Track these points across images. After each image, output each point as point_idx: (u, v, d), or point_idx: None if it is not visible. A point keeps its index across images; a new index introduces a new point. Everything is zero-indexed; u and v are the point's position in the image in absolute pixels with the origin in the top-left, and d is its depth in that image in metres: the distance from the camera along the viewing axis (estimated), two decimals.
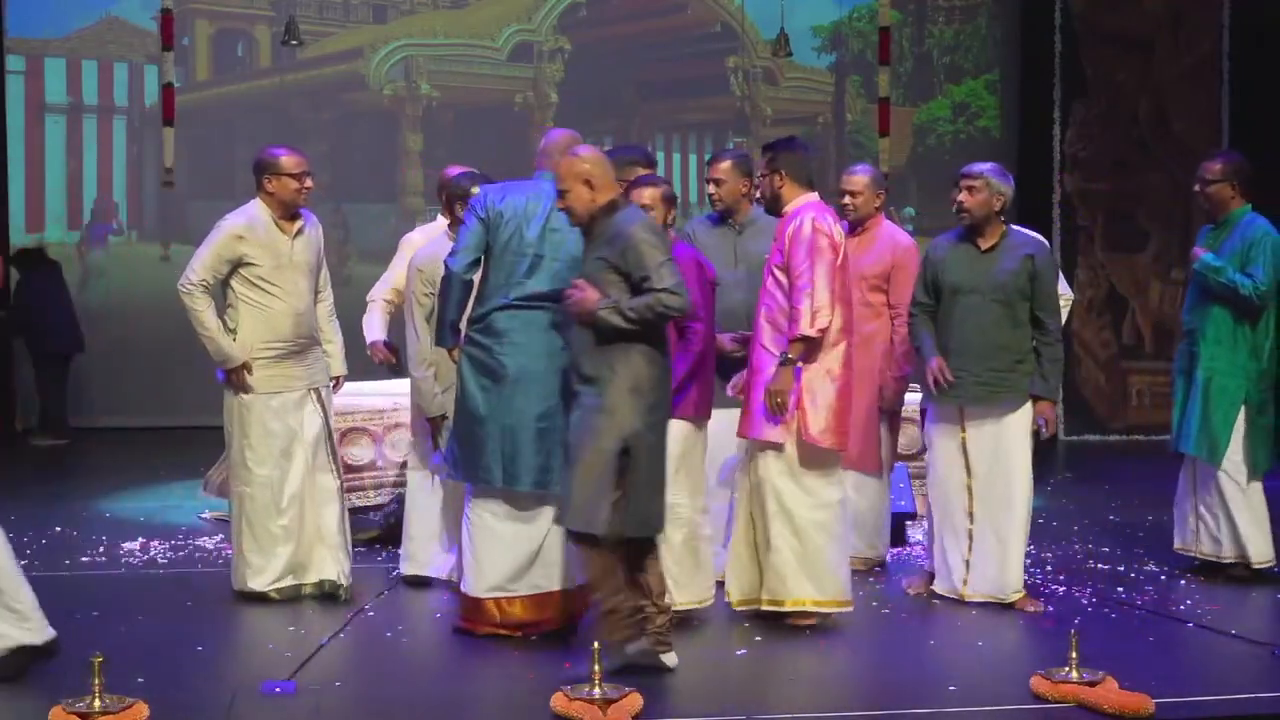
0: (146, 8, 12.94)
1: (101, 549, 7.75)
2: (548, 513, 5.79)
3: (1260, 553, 6.88)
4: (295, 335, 6.52)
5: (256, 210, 6.51)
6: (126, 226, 13.51)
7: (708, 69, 14.29)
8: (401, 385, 8.81)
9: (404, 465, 8.26)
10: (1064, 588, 6.77)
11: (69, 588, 6.90)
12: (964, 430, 6.47)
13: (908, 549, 7.68)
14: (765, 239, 6.88)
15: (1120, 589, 6.76)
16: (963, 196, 6.44)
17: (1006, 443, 6.41)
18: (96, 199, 13.40)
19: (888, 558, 7.23)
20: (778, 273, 6.01)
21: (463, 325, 5.88)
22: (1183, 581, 6.91)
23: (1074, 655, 5.08)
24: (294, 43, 10.68)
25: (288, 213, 6.53)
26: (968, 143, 14.02)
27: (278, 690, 5.11)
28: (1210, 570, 6.96)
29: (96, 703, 4.71)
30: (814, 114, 14.40)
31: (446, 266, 5.83)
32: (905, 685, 5.37)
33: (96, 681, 4.73)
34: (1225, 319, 6.88)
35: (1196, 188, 7.04)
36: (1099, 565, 7.31)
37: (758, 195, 6.93)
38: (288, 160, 6.49)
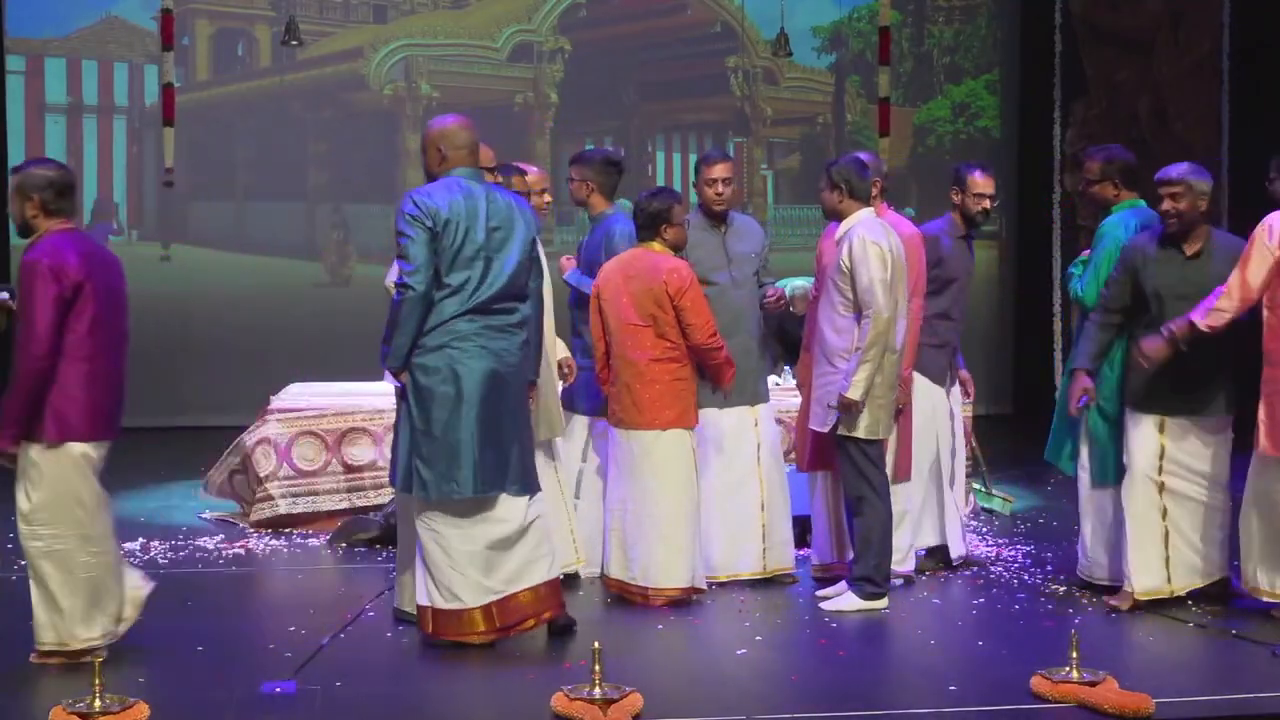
0: (146, 8, 12.93)
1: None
2: (518, 508, 5.74)
3: (1099, 568, 6.67)
4: None
5: None
6: (126, 226, 13.50)
7: (708, 69, 14.28)
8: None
9: None
10: (1064, 588, 6.76)
11: None
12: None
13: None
14: (747, 239, 6.96)
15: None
16: (1167, 205, 6.25)
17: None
18: (96, 199, 13.40)
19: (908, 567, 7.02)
20: None
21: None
22: None
23: (1074, 655, 5.08)
24: (294, 43, 10.68)
25: None
26: (968, 143, 14.01)
27: (278, 690, 5.11)
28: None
29: (96, 703, 4.71)
30: (814, 114, 14.40)
31: (410, 288, 5.57)
32: (905, 685, 5.37)
33: (96, 681, 4.73)
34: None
35: (1080, 188, 6.90)
36: None
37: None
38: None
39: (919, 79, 14.33)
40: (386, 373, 6.01)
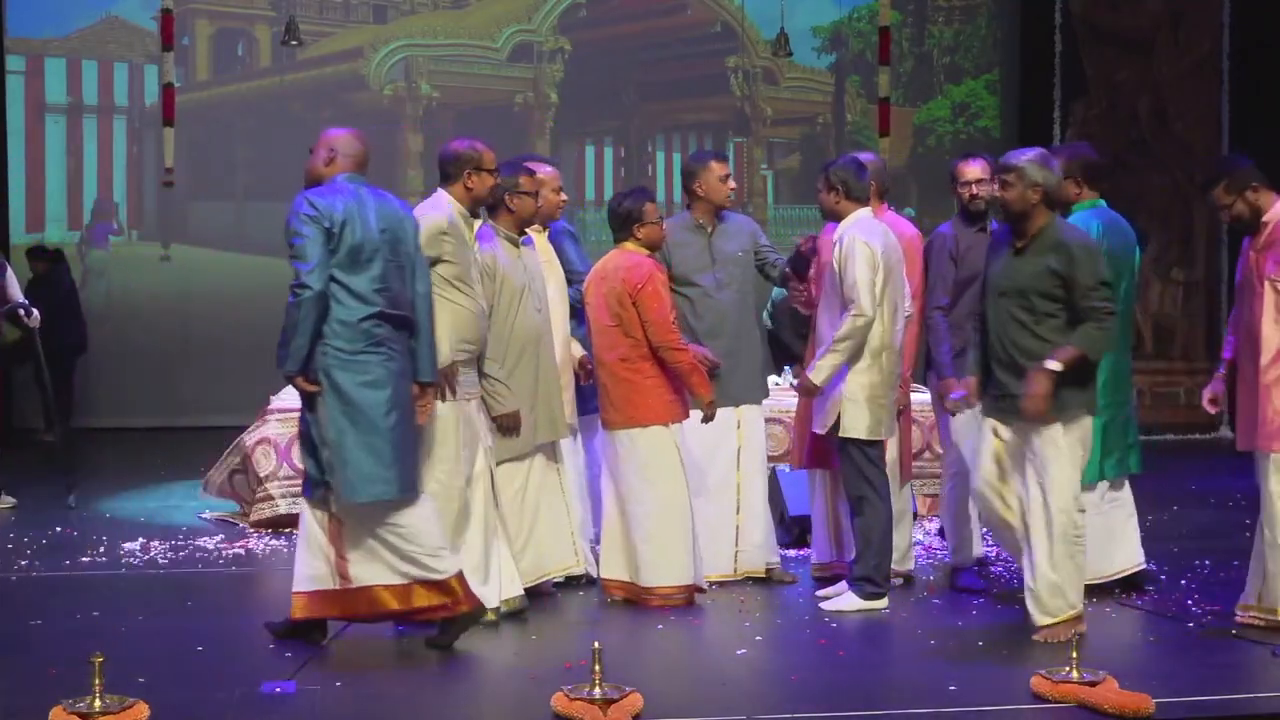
0: (146, 8, 12.95)
1: (101, 549, 7.75)
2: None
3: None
4: (480, 339, 6.22)
5: (450, 204, 6.14)
6: (126, 226, 13.51)
7: (708, 69, 14.30)
8: None
9: None
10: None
11: (69, 588, 6.91)
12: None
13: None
14: (735, 239, 6.96)
15: (1120, 589, 6.75)
16: (999, 190, 5.94)
17: None
18: (96, 199, 13.41)
19: (910, 567, 7.03)
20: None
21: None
22: (1183, 581, 6.91)
23: (1074, 655, 5.08)
24: (294, 43, 10.69)
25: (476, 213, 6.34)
26: (968, 143, 14.01)
27: (278, 690, 5.11)
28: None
29: (96, 703, 4.70)
30: (814, 114, 14.42)
31: (308, 288, 5.49)
32: (905, 685, 5.37)
33: (96, 681, 4.72)
34: None
35: None
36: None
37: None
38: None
39: (919, 79, 14.34)
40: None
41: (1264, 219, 5.95)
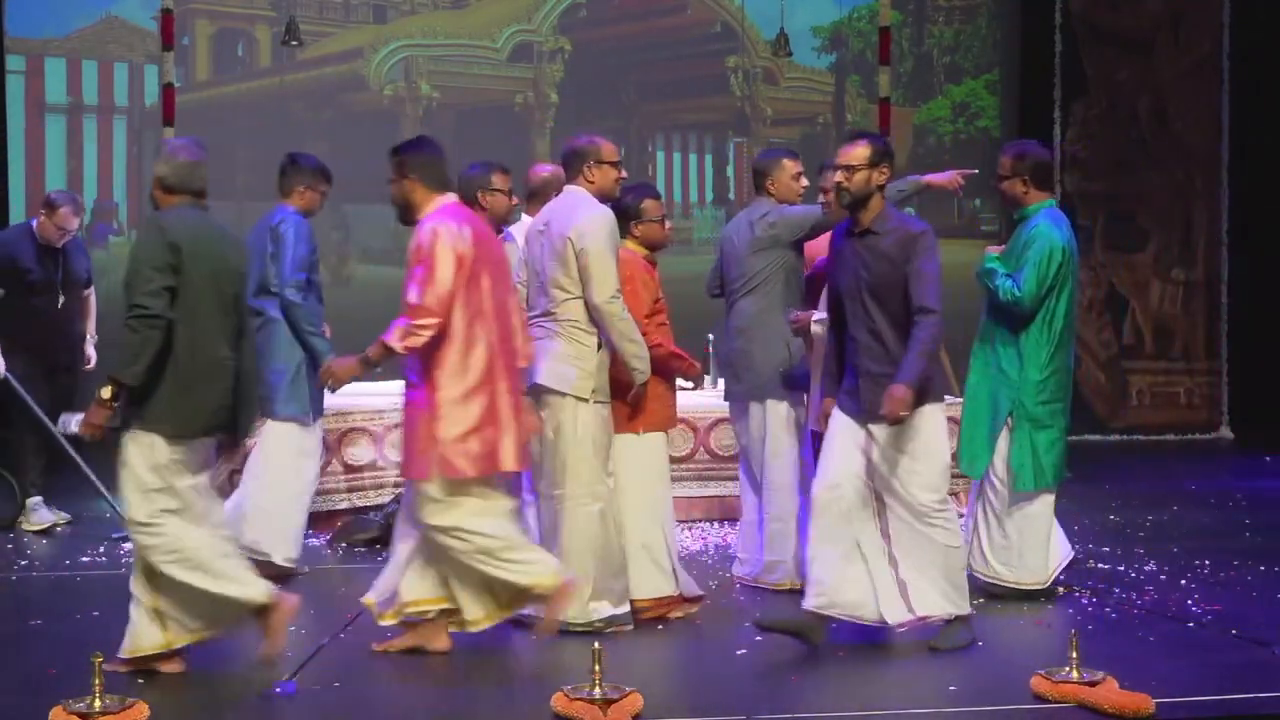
0: (146, 8, 12.94)
1: (101, 549, 7.74)
2: None
3: (1031, 573, 6.50)
4: None
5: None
6: (126, 226, 13.50)
7: (708, 69, 14.29)
8: (401, 385, 8.82)
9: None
10: (1064, 588, 6.76)
11: (69, 588, 6.91)
12: None
13: None
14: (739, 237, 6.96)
15: (1120, 589, 6.76)
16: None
17: None
18: (96, 199, 13.40)
19: None
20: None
21: None
22: (1183, 581, 6.91)
23: (1074, 655, 5.08)
24: (294, 43, 10.68)
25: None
26: (968, 143, 14.01)
27: (278, 690, 5.11)
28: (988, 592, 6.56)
29: (96, 703, 4.71)
30: (814, 114, 14.40)
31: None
32: (905, 685, 5.37)
33: (96, 681, 4.73)
34: (1002, 323, 6.49)
35: (993, 182, 6.59)
36: (1099, 565, 7.31)
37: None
38: None
39: (919, 79, 14.33)
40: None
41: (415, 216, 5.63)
